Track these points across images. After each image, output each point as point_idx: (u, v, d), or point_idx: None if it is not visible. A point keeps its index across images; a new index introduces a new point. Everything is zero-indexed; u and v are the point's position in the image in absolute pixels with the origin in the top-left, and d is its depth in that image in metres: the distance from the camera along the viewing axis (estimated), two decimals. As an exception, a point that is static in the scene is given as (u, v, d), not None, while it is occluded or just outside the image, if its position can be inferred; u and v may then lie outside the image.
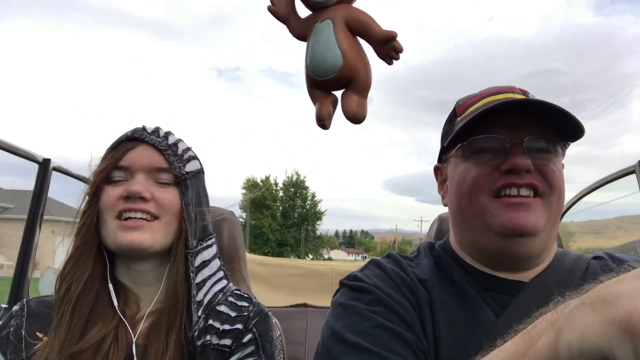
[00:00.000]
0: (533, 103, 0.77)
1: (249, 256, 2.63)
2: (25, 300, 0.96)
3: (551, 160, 0.79)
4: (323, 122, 0.78)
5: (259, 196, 34.15)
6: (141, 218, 0.86)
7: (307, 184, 38.32)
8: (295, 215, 36.59)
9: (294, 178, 36.55)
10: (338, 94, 0.79)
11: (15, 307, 0.94)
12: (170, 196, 0.90)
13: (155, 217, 0.88)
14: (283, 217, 36.06)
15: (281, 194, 37.11)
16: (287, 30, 0.83)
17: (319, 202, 38.92)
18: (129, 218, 0.86)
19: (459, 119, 0.87)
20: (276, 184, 36.94)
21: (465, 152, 0.82)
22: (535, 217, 0.76)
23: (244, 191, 36.68)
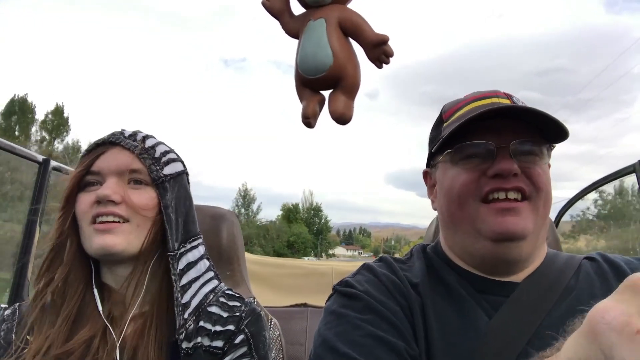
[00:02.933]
0: (517, 109, 0.78)
1: (249, 256, 2.63)
2: (17, 304, 0.96)
3: (537, 162, 0.80)
4: (308, 120, 0.77)
5: (292, 216, 52.58)
6: (113, 221, 0.86)
7: (321, 206, 58.99)
8: (315, 229, 56.77)
9: (314, 204, 57.93)
10: (326, 94, 0.79)
11: (7, 311, 0.95)
12: (142, 197, 0.89)
13: (126, 220, 0.87)
14: (308, 229, 53.23)
15: (305, 215, 56.37)
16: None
17: (329, 220, 60.81)
18: (102, 222, 0.85)
19: (445, 124, 0.88)
20: (302, 210, 56.42)
21: (454, 158, 0.83)
22: (524, 221, 0.77)
23: (281, 212, 55.84)
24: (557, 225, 2.50)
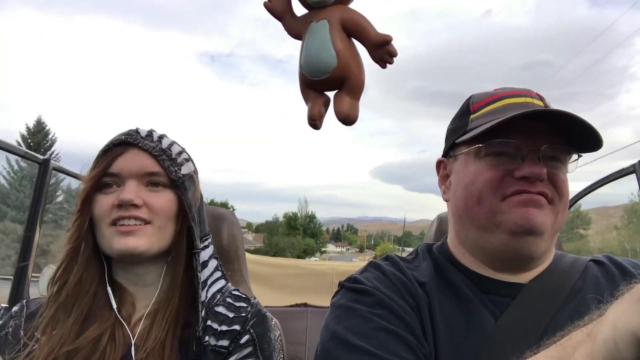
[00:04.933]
0: (558, 114, 0.76)
1: (249, 256, 2.62)
2: (25, 301, 0.97)
3: (561, 170, 0.79)
4: (314, 122, 0.78)
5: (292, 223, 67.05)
6: (135, 224, 0.86)
7: (315, 214, 72.58)
8: (310, 233, 69.39)
9: (310, 212, 72.03)
10: (330, 95, 0.79)
11: (15, 308, 0.95)
12: (162, 200, 0.89)
13: (148, 222, 0.87)
14: (304, 233, 67.02)
15: (301, 221, 69.86)
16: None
17: (322, 225, 74.63)
18: (123, 224, 0.86)
19: (473, 116, 0.85)
20: (301, 217, 69.52)
21: (480, 153, 0.80)
22: (545, 216, 0.75)
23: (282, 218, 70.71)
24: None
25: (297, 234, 65.28)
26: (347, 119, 0.76)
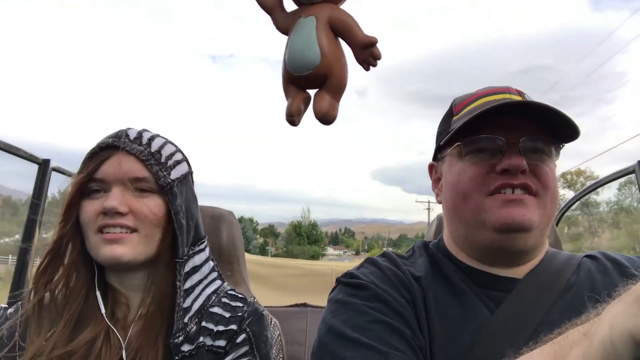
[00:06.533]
0: (530, 105, 0.78)
1: (249, 256, 2.63)
2: (19, 303, 0.96)
3: (545, 161, 0.80)
4: (292, 117, 0.77)
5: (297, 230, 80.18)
6: (120, 232, 0.84)
7: (317, 222, 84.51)
8: (312, 239, 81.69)
9: (312, 221, 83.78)
10: (312, 93, 0.79)
11: (10, 310, 0.94)
12: (149, 207, 0.86)
13: (134, 230, 0.85)
14: (308, 239, 79.97)
15: (305, 229, 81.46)
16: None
17: (323, 232, 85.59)
18: (109, 232, 0.84)
19: (455, 118, 0.88)
20: (304, 225, 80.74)
21: (462, 151, 0.82)
22: (530, 213, 0.77)
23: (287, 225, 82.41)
24: (557, 225, 2.49)
25: (302, 240, 78.39)
26: (325, 118, 0.75)
